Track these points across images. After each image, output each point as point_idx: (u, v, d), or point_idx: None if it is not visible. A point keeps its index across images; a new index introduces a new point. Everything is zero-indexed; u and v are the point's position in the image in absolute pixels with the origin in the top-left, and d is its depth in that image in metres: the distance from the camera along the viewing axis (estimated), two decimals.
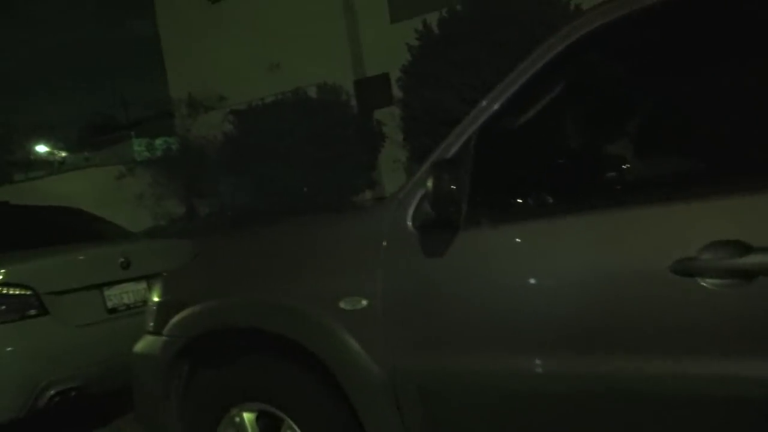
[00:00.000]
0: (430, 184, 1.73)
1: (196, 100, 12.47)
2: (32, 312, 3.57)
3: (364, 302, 1.97)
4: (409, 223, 1.95)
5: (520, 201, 1.88)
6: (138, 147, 17.48)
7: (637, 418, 1.60)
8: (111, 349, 3.69)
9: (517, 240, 1.79)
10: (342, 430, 2.11)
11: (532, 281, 1.75)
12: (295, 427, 2.18)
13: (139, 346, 2.62)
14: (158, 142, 16.31)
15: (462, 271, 1.84)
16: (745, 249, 1.46)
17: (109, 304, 3.90)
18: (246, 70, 13.38)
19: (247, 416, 2.31)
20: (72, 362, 3.61)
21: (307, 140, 10.62)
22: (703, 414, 1.53)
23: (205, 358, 2.43)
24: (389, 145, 10.71)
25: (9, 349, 3.51)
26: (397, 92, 10.48)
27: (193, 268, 2.69)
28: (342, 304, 2.00)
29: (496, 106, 1.89)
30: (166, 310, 2.49)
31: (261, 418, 2.30)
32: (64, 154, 27.25)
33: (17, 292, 3.55)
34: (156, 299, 2.58)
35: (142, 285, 4.04)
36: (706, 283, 1.50)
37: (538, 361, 1.71)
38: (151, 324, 2.57)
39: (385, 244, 1.98)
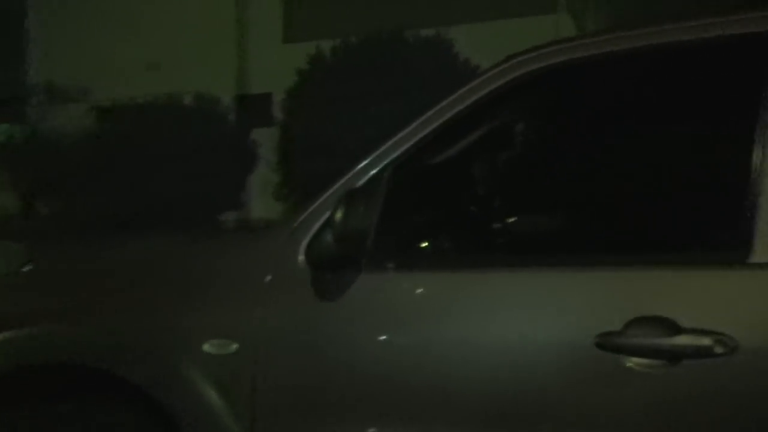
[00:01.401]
0: (340, 215, 1.45)
1: (57, 88, 11.31)
2: None
3: (234, 346, 1.63)
4: (301, 258, 1.65)
5: (435, 247, 1.66)
6: None
7: None
8: None
9: (428, 291, 1.56)
10: None
11: (441, 341, 1.52)
12: None
13: None
14: (2, 127, 14.70)
15: (359, 319, 1.58)
16: (674, 329, 1.33)
17: None
18: (121, 66, 12.43)
19: None
20: None
21: (176, 149, 9.95)
22: None
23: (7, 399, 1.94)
24: (262, 167, 10.31)
25: None
26: (278, 114, 10.17)
27: (18, 280, 2.18)
28: (206, 347, 1.65)
29: (416, 139, 1.67)
30: None
31: None
32: None
33: None
34: None
35: None
36: (631, 362, 1.35)
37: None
38: None
39: (268, 279, 1.66)
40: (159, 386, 1.66)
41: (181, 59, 12.05)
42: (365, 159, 1.69)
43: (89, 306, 1.79)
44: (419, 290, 1.59)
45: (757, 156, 1.39)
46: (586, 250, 1.56)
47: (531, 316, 1.48)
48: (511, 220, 1.77)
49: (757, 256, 1.35)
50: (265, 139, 10.18)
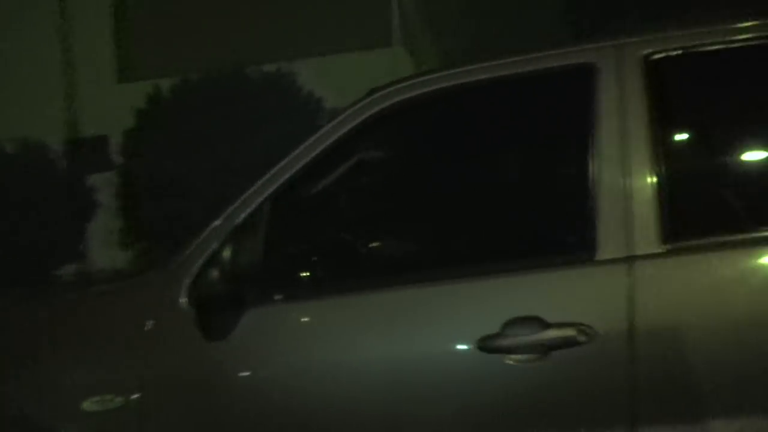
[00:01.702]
0: (228, 252, 1.46)
1: None
2: None
3: (118, 400, 1.56)
4: (184, 300, 1.63)
5: (315, 276, 1.71)
6: None
7: None
8: None
9: (315, 318, 1.61)
10: None
11: (330, 364, 1.57)
12: None
13: None
14: None
15: (251, 356, 1.58)
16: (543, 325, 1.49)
17: None
18: None
19: None
20: None
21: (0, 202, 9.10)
22: None
23: None
24: (102, 214, 9.71)
25: None
26: (116, 157, 9.68)
27: None
28: (86, 406, 1.56)
29: (289, 174, 1.73)
30: None
31: None
32: None
33: None
34: None
35: None
36: (510, 359, 1.49)
37: None
38: None
39: (150, 325, 1.62)
40: None
41: (1, 104, 11.11)
42: (241, 196, 1.71)
43: None
44: (305, 318, 1.63)
45: (591, 172, 1.59)
46: (457, 263, 1.69)
47: (413, 329, 1.57)
48: (384, 243, 1.86)
49: (601, 254, 1.55)
50: (104, 185, 9.62)
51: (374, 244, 1.86)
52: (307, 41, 9.66)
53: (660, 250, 1.52)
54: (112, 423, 1.55)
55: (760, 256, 1.51)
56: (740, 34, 1.63)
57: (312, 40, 9.63)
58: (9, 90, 11.04)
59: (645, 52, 1.61)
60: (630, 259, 1.52)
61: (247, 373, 1.58)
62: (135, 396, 1.55)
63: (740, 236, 1.54)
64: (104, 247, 9.49)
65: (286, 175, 1.71)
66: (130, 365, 1.58)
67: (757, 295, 1.48)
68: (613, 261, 1.53)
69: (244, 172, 7.79)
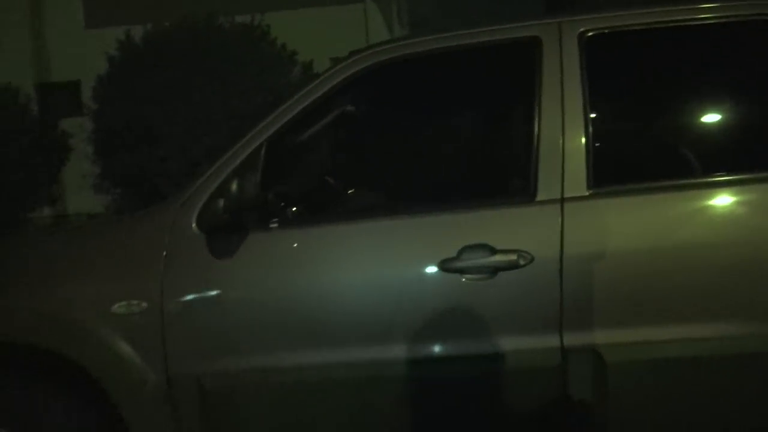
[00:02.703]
0: (235, 186, 1.78)
1: None
2: None
3: (144, 305, 1.90)
4: (194, 226, 1.95)
5: (306, 208, 2.04)
6: None
7: (414, 395, 1.86)
8: None
9: (303, 242, 1.94)
10: None
11: (319, 281, 1.92)
12: None
13: None
14: None
15: (251, 272, 1.92)
16: (492, 251, 1.84)
17: None
18: None
19: None
20: None
21: None
22: (462, 387, 1.86)
23: None
24: (76, 159, 9.78)
25: None
26: (88, 102, 9.67)
27: None
28: (116, 309, 1.89)
29: (282, 122, 2.03)
30: None
31: None
32: None
33: None
34: None
35: None
36: (465, 278, 1.84)
37: (320, 354, 1.87)
38: None
39: (166, 245, 1.94)
40: (75, 347, 1.87)
41: None
42: (242, 139, 2.01)
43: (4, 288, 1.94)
44: (296, 243, 1.96)
45: (535, 129, 1.93)
46: (425, 200, 2.04)
47: (387, 253, 1.92)
48: (362, 183, 2.20)
49: (540, 195, 1.91)
50: (77, 129, 9.66)
51: (353, 183, 2.19)
52: None
53: (586, 194, 1.89)
54: (137, 324, 1.88)
55: (663, 200, 1.89)
56: (662, 16, 1.98)
57: None
58: None
59: (581, 29, 1.96)
60: (562, 201, 1.89)
61: (248, 287, 1.92)
62: (156, 304, 1.89)
63: (650, 184, 1.91)
64: (78, 191, 9.61)
65: (280, 123, 2.01)
66: (152, 278, 1.90)
67: (660, 230, 1.87)
68: (548, 201, 1.90)
69: (217, 120, 8.02)
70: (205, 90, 7.93)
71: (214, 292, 1.91)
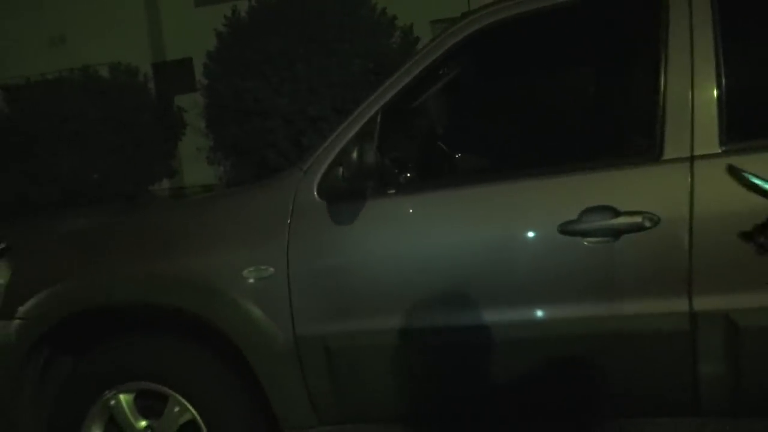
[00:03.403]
0: (356, 154, 1.82)
1: None
2: None
3: (271, 270, 1.99)
4: (315, 194, 2.02)
5: (421, 174, 2.06)
6: None
7: (530, 359, 1.86)
8: None
9: (422, 209, 1.96)
10: (237, 402, 2.10)
11: (438, 246, 1.94)
12: (185, 402, 2.11)
13: None
14: None
15: (371, 237, 1.97)
16: (615, 213, 1.79)
17: None
18: (23, 43, 11.91)
19: (125, 398, 2.18)
20: None
21: (98, 124, 9.77)
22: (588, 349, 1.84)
23: (72, 341, 2.24)
24: (190, 133, 10.30)
25: None
26: (200, 78, 10.10)
27: (54, 246, 2.44)
28: (246, 274, 2.00)
29: (398, 88, 2.04)
30: (17, 290, 2.24)
31: (139, 398, 2.19)
32: None
33: None
34: (3, 277, 2.30)
35: None
36: (586, 241, 1.80)
37: (441, 317, 1.90)
38: None
39: (291, 213, 2.02)
40: (211, 310, 2.01)
41: (87, 31, 11.68)
42: (358, 108, 2.05)
43: (141, 257, 2.11)
44: (415, 209, 1.99)
45: (660, 85, 1.84)
46: (547, 163, 1.99)
47: (506, 216, 1.90)
48: (478, 144, 2.18)
49: (667, 154, 1.83)
50: (190, 105, 10.15)
51: (469, 148, 2.18)
52: None
53: (718, 151, 1.79)
54: (266, 288, 1.99)
55: None
56: None
57: None
58: (93, 18, 11.56)
59: None
60: (691, 159, 1.80)
61: (367, 253, 1.97)
62: (283, 269, 1.98)
63: None
64: (193, 164, 10.14)
65: (395, 89, 2.03)
66: (278, 245, 1.99)
67: None
68: (677, 160, 1.81)
69: (320, 90, 8.12)
70: (308, 60, 8.07)
71: (335, 258, 1.98)
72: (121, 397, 2.17)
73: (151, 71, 11.08)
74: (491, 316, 1.87)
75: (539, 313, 1.86)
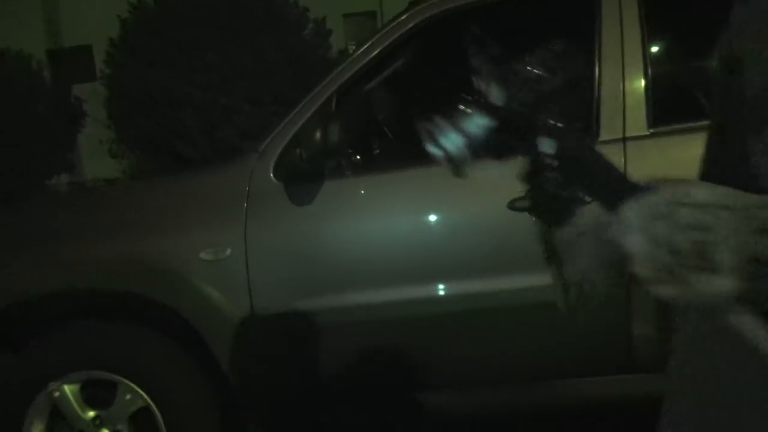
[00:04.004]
0: (318, 136, 1.86)
1: None
2: None
3: (228, 251, 2.00)
4: (272, 175, 2.04)
5: (375, 153, 2.13)
6: None
7: (485, 328, 1.98)
8: None
9: (374, 188, 2.04)
10: (192, 386, 2.09)
11: (386, 225, 2.02)
12: (137, 389, 2.07)
13: None
14: None
15: (327, 216, 2.02)
16: None
17: None
18: None
19: (70, 388, 2.11)
20: None
21: None
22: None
23: (12, 331, 2.14)
24: (92, 125, 9.81)
25: None
26: (101, 67, 9.64)
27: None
28: (203, 255, 2.00)
29: (349, 74, 2.09)
30: None
31: (86, 388, 2.12)
32: None
33: None
34: None
35: None
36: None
37: (387, 293, 1.98)
38: None
39: (247, 195, 2.03)
40: (167, 292, 1.99)
41: None
42: (313, 91, 2.09)
43: (89, 241, 2.05)
44: (371, 189, 2.05)
45: (596, 75, 2.00)
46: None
47: (457, 195, 2.01)
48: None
49: (603, 136, 1.99)
50: (90, 95, 9.67)
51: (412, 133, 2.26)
52: None
53: (647, 133, 1.97)
54: (223, 269, 1.99)
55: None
56: None
57: None
58: None
59: None
60: (624, 140, 1.97)
61: (324, 230, 2.02)
62: (240, 249, 1.99)
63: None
64: (94, 157, 9.67)
65: (347, 75, 2.08)
66: (235, 226, 2.00)
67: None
68: (611, 141, 1.98)
69: (233, 80, 7.99)
70: (219, 50, 7.91)
71: (294, 238, 2.01)
72: (66, 387, 2.10)
73: (46, 58, 10.45)
74: (444, 289, 1.97)
75: (490, 285, 1.97)
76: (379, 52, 2.11)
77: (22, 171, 9.40)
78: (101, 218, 2.15)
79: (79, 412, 2.10)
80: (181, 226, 2.04)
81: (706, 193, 0.55)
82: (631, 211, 0.55)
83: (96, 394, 2.12)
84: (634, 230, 0.53)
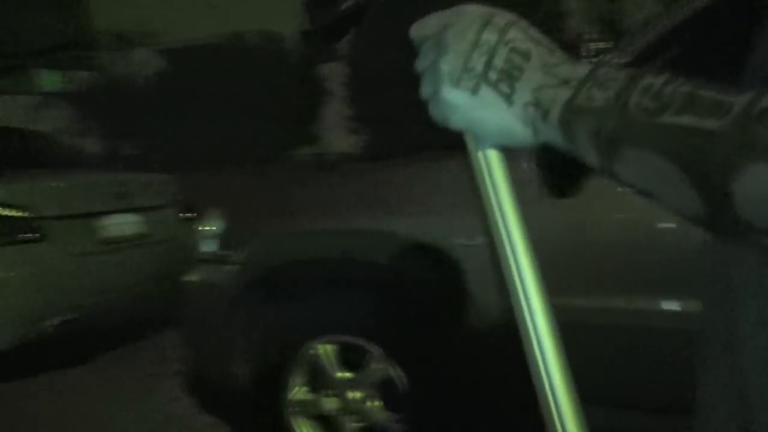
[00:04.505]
0: None
1: (126, 35, 11.59)
2: (28, 236, 3.29)
3: (479, 239, 2.00)
4: None
5: None
6: (49, 78, 15.92)
7: None
8: (107, 281, 3.49)
9: None
10: (443, 360, 2.12)
11: None
12: (387, 358, 2.17)
13: (194, 275, 2.52)
14: (53, 75, 14.94)
15: None
16: None
17: (104, 234, 3.66)
18: (175, 8, 12.61)
19: (325, 348, 2.27)
20: (69, 292, 3.37)
21: (245, 88, 10.25)
22: None
23: (285, 289, 2.36)
24: (334, 102, 10.55)
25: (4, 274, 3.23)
26: (343, 48, 10.25)
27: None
28: (462, 241, 2.02)
29: None
30: (234, 237, 2.40)
31: (342, 351, 2.27)
32: None
33: (12, 214, 3.26)
34: (217, 226, 2.47)
35: (138, 217, 3.82)
36: None
37: None
38: (212, 252, 2.47)
39: None
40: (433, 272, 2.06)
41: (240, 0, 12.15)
42: None
43: (366, 215, 2.21)
44: None
45: None
46: None
47: None
48: None
49: None
50: (332, 74, 10.37)
51: None
52: None
53: None
54: (478, 253, 2.00)
55: None
56: None
57: None
58: None
59: None
60: None
61: None
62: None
63: None
64: (336, 131, 10.39)
65: None
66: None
67: None
68: None
69: None
70: None
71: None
72: (325, 347, 2.26)
73: (299, 39, 11.39)
74: None
75: None
76: None
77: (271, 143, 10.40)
78: (386, 194, 2.26)
79: (332, 371, 2.25)
80: (448, 209, 2.08)
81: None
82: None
83: (352, 357, 2.25)
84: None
